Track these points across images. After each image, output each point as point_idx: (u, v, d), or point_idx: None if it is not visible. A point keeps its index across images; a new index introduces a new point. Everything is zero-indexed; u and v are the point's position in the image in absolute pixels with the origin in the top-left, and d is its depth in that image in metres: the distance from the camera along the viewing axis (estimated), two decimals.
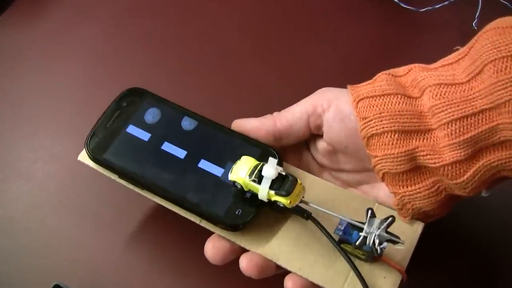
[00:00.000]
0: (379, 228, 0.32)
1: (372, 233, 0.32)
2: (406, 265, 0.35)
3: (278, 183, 0.33)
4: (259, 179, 0.34)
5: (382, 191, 0.37)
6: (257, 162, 0.35)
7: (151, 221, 0.43)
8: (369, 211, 0.33)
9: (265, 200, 0.34)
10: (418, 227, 0.36)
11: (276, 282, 0.35)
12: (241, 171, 0.34)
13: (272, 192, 0.33)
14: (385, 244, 0.32)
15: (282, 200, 0.33)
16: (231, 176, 0.35)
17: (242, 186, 0.34)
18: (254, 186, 0.34)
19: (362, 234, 0.33)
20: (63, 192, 0.44)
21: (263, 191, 0.34)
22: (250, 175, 0.34)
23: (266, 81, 0.50)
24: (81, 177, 0.44)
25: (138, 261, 0.41)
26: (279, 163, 0.35)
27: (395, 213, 0.36)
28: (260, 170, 0.34)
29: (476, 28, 0.50)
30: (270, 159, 0.34)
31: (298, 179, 0.34)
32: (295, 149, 0.40)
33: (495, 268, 0.42)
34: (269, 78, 0.50)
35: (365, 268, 0.34)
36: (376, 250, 0.32)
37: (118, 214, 0.43)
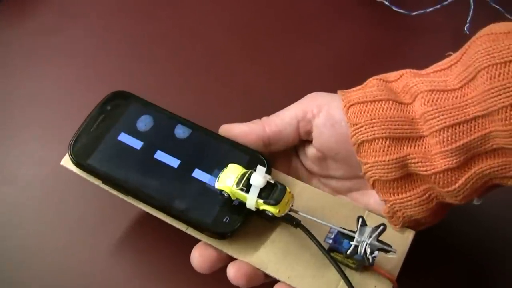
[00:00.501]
0: (370, 237, 0.32)
1: (363, 241, 0.32)
2: (397, 273, 0.34)
3: (267, 192, 0.33)
4: (247, 187, 0.33)
5: (372, 198, 0.36)
6: (245, 170, 0.34)
7: (138, 227, 0.42)
8: (360, 219, 0.33)
9: (253, 209, 0.33)
10: (409, 235, 0.36)
11: None
12: (228, 179, 0.33)
13: (261, 201, 0.33)
14: (376, 253, 0.32)
15: (270, 209, 0.33)
16: (218, 185, 0.34)
17: (229, 195, 0.34)
18: (242, 195, 0.33)
19: (353, 243, 0.32)
20: (47, 197, 0.43)
21: (251, 200, 0.33)
22: (238, 184, 0.33)
23: (257, 82, 0.49)
24: (66, 182, 0.43)
25: (124, 268, 0.41)
26: (268, 171, 0.35)
27: (385, 221, 0.36)
28: (248, 179, 0.33)
29: (468, 32, 0.50)
30: (259, 167, 0.33)
31: (287, 188, 0.33)
32: (284, 155, 0.39)
33: (486, 276, 0.41)
34: (260, 79, 0.50)
35: (356, 277, 0.34)
36: (368, 259, 0.32)
37: (103, 220, 0.42)
